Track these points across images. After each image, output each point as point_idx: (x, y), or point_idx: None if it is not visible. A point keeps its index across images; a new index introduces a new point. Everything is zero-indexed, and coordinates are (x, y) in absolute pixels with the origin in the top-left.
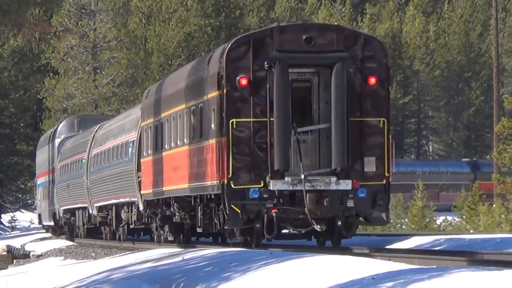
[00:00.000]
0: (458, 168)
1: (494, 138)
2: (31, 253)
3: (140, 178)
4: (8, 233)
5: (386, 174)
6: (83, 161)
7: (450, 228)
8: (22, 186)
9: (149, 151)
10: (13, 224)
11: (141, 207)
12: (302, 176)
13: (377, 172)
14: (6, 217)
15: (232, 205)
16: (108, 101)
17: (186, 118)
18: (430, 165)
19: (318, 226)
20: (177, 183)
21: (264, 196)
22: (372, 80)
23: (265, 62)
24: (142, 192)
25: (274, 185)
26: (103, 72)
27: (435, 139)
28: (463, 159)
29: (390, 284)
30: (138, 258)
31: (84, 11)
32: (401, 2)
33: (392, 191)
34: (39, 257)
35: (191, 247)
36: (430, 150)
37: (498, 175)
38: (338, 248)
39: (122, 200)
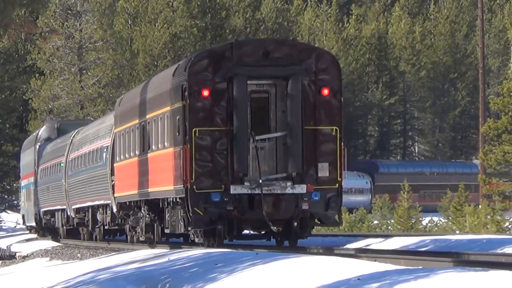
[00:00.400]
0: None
1: (480, 139)
2: (17, 254)
3: (113, 182)
4: None
5: (339, 179)
6: (62, 164)
7: (436, 229)
8: (8, 187)
9: (122, 156)
10: None
11: (114, 209)
12: (260, 181)
13: (330, 177)
14: None
15: (195, 208)
16: (94, 102)
17: (155, 126)
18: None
19: (275, 228)
20: (147, 187)
21: (225, 199)
22: (325, 91)
23: (225, 75)
24: (115, 195)
25: (234, 189)
26: (89, 73)
27: (421, 140)
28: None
29: (376, 285)
30: (124, 259)
31: (70, 12)
32: (387, 3)
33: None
34: (25, 258)
35: (177, 248)
36: (416, 151)
37: (484, 176)
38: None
39: (97, 202)
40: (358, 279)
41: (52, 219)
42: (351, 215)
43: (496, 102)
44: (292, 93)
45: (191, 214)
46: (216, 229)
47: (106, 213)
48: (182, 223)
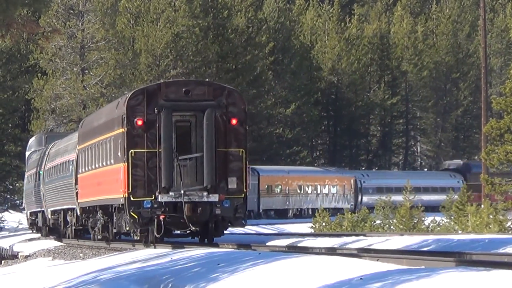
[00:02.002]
0: None
1: (482, 139)
2: (20, 254)
3: (77, 190)
4: None
5: (244, 190)
6: (40, 172)
7: (438, 228)
8: (10, 187)
9: (83, 169)
10: (1, 224)
11: (78, 213)
12: (182, 192)
13: (237, 188)
14: None
15: (131, 212)
16: (96, 101)
17: (105, 146)
18: None
19: (194, 228)
20: (100, 195)
21: (155, 206)
22: (234, 121)
23: (155, 108)
24: (78, 200)
25: (162, 198)
26: (91, 73)
27: (423, 140)
28: None
29: (378, 284)
30: (126, 258)
31: (72, 11)
32: (389, 2)
33: None
34: (27, 257)
35: (180, 247)
36: (418, 150)
37: (487, 176)
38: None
39: (66, 206)
40: (361, 278)
41: (36, 219)
42: (354, 215)
43: (498, 101)
44: (207, 122)
45: (128, 217)
46: (149, 229)
47: (73, 216)
48: (124, 224)
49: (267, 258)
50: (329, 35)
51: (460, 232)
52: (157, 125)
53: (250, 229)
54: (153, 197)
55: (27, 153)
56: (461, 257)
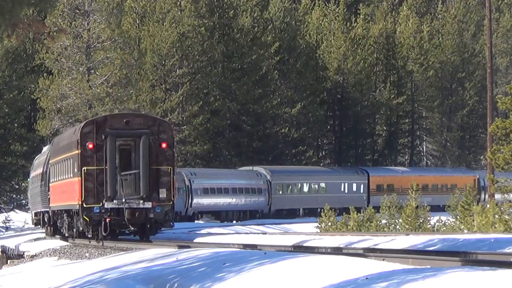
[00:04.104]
0: None
1: (488, 139)
2: (25, 253)
3: (49, 196)
4: (2, 233)
5: (172, 199)
6: (28, 180)
7: (444, 228)
8: (16, 187)
9: (54, 179)
10: (7, 224)
11: (51, 215)
12: (123, 200)
13: (167, 198)
14: (0, 218)
15: (84, 216)
16: (102, 101)
17: (66, 163)
18: None
19: (133, 228)
20: (64, 201)
21: (102, 211)
22: (164, 145)
23: (103, 135)
24: (50, 205)
25: (108, 205)
26: (97, 73)
27: (429, 140)
28: None
29: (384, 284)
30: (132, 258)
31: (78, 11)
32: (394, 2)
33: None
34: (33, 257)
35: (186, 247)
36: (424, 150)
37: (492, 175)
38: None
39: (43, 209)
40: (366, 278)
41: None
42: (360, 214)
43: (504, 101)
44: (143, 146)
45: (82, 220)
46: (99, 229)
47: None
48: (80, 225)
49: (273, 257)
50: (335, 34)
51: (466, 231)
52: (104, 148)
53: (256, 228)
54: (101, 204)
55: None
56: (466, 257)
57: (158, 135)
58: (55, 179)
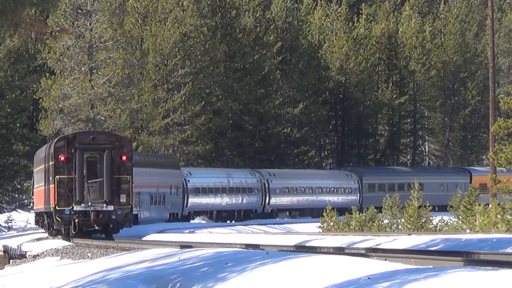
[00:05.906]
0: None
1: (490, 139)
2: (28, 253)
3: (33, 200)
4: (4, 233)
5: (131, 203)
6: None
7: (446, 228)
8: (19, 186)
9: (36, 185)
10: (9, 224)
11: (34, 216)
12: (90, 203)
13: (126, 202)
14: (2, 217)
15: (57, 217)
16: (104, 101)
17: (44, 172)
18: None
19: (98, 228)
20: (43, 205)
21: (72, 213)
22: (124, 158)
23: (72, 149)
24: (34, 207)
25: (76, 208)
26: (99, 72)
27: (431, 139)
28: None
29: (386, 284)
30: (134, 258)
31: (80, 11)
32: (397, 2)
33: None
34: (35, 257)
35: (188, 247)
36: (426, 150)
37: (494, 175)
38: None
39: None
40: (369, 278)
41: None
42: (362, 214)
43: (506, 101)
44: (106, 159)
45: (55, 220)
46: (69, 228)
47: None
48: (54, 224)
49: (275, 257)
50: (337, 34)
51: (468, 231)
52: (74, 160)
53: (257, 228)
54: (71, 207)
55: None
56: (469, 257)
57: (119, 149)
58: (37, 185)
